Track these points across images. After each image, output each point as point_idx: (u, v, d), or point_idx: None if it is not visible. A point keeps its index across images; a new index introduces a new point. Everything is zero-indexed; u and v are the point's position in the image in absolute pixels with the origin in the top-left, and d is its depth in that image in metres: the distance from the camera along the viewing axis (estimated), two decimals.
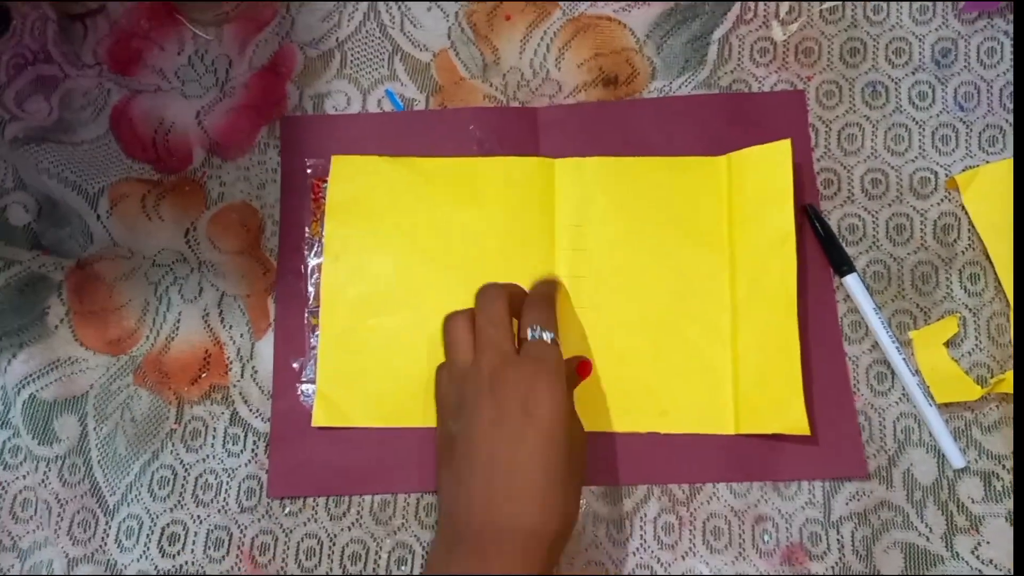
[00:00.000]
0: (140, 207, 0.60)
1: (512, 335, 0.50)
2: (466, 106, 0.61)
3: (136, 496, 0.55)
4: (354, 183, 0.59)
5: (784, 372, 0.54)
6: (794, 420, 0.53)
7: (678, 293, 0.57)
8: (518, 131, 0.60)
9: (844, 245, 0.57)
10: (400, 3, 0.62)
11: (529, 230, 0.58)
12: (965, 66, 0.59)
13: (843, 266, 0.56)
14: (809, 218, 0.57)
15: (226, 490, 0.55)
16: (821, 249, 0.57)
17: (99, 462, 0.56)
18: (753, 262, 0.56)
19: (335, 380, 0.56)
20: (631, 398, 0.55)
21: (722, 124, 0.59)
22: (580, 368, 0.55)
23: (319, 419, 0.55)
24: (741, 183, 0.57)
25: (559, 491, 0.45)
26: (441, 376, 0.52)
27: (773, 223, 0.56)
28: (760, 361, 0.55)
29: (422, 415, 0.55)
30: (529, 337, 0.50)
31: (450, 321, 0.52)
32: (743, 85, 0.60)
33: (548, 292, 0.55)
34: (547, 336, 0.50)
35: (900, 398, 0.54)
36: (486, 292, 0.52)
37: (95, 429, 0.56)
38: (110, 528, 0.55)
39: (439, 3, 0.62)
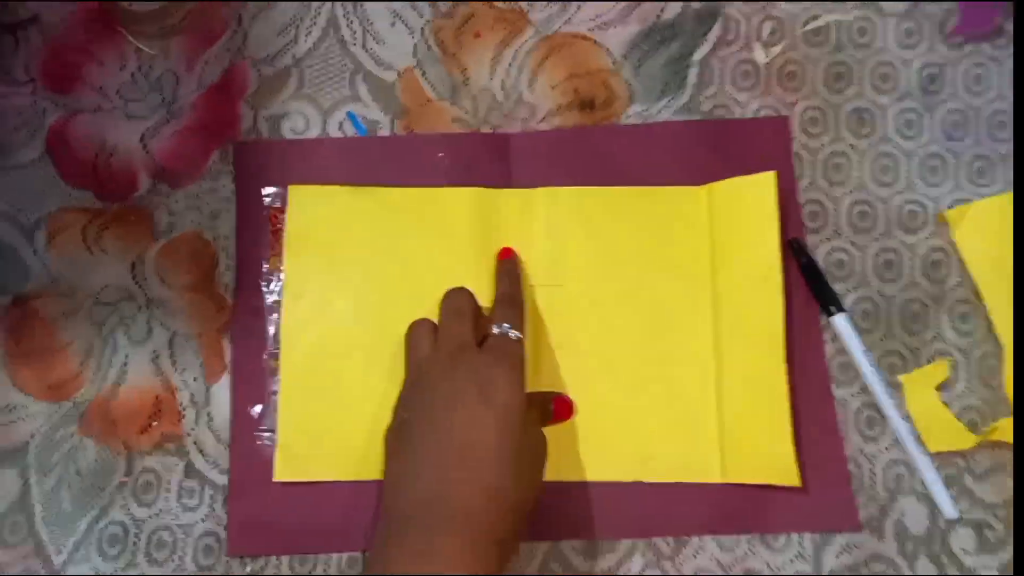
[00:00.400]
0: (81, 239, 0.55)
1: (475, 329, 0.49)
2: (433, 131, 0.57)
3: (84, 556, 0.51)
4: (314, 215, 0.55)
5: (772, 417, 0.52)
6: (783, 470, 0.51)
7: (658, 331, 0.54)
8: (489, 159, 0.56)
9: (831, 282, 0.54)
10: (362, 19, 0.58)
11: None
12: (952, 93, 0.57)
13: (831, 305, 0.54)
14: (795, 254, 0.55)
15: (182, 548, 0.52)
16: (807, 286, 0.55)
17: (43, 519, 0.52)
18: (737, 299, 0.54)
19: (297, 430, 0.52)
20: (611, 444, 0.53)
21: (704, 152, 0.56)
22: (558, 405, 0.52)
23: (281, 473, 0.52)
24: (723, 215, 0.55)
25: (512, 480, 0.44)
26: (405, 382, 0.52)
27: (757, 258, 0.54)
28: (746, 405, 0.52)
29: None
30: (495, 332, 0.49)
31: (413, 325, 0.52)
32: (725, 110, 0.57)
33: (515, 294, 0.53)
34: (513, 334, 0.49)
35: (891, 444, 0.53)
36: (452, 290, 0.53)
37: (37, 483, 0.52)
38: None
39: (403, 18, 0.58)
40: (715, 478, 0.52)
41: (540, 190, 0.56)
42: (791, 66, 0.58)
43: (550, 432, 0.51)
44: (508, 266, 0.54)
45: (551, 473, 0.51)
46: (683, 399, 0.53)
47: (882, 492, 0.52)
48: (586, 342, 0.54)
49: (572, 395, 0.53)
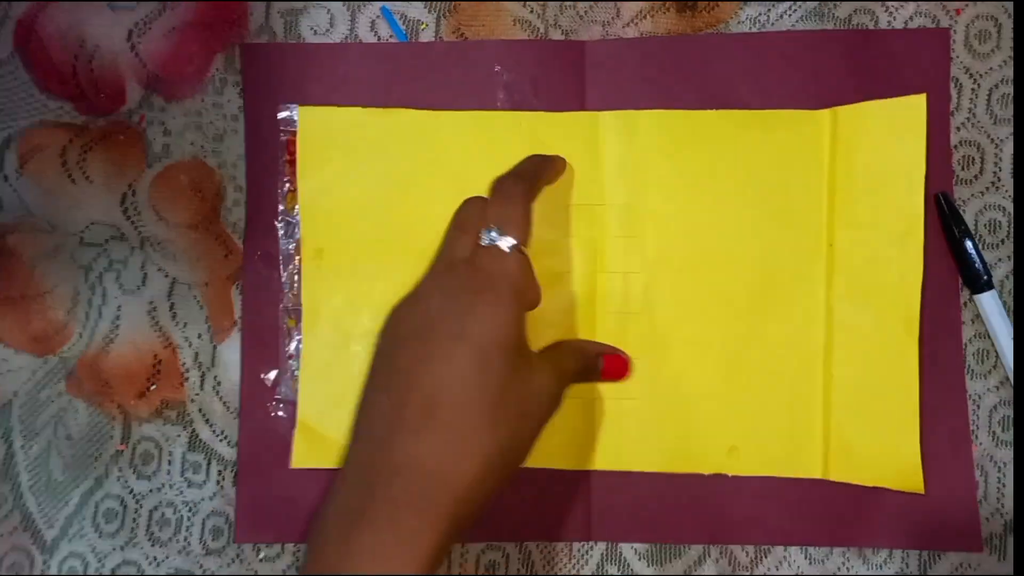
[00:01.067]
0: (60, 163, 0.46)
1: (476, 244, 0.39)
2: (490, 37, 0.45)
3: (79, 531, 0.45)
4: (331, 146, 0.45)
5: (896, 408, 0.43)
6: (904, 472, 0.42)
7: (758, 295, 0.44)
8: (559, 74, 0.45)
9: (982, 249, 0.43)
10: None
11: (566, 213, 0.44)
12: None
13: (980, 280, 0.43)
14: (940, 211, 0.43)
15: (187, 527, 0.45)
16: (950, 253, 0.43)
17: (31, 488, 0.45)
18: (862, 259, 0.43)
19: (320, 409, 0.44)
20: (691, 430, 0.44)
21: (836, 72, 0.44)
22: (610, 364, 0.43)
23: (299, 459, 0.44)
24: (851, 149, 0.43)
25: (485, 432, 0.35)
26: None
27: (894, 208, 0.43)
28: (863, 390, 0.43)
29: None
30: (482, 242, 0.39)
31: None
32: (868, 17, 0.44)
33: (528, 175, 0.42)
34: (505, 243, 0.38)
35: None
36: (465, 200, 0.42)
37: (23, 448, 0.45)
38: (48, 569, 0.45)
39: None
40: (816, 473, 0.43)
41: (614, 114, 0.44)
42: None
43: (609, 412, 0.43)
44: (533, 158, 0.43)
45: (607, 461, 0.44)
46: (782, 379, 0.44)
47: (1010, 507, 0.43)
48: (667, 307, 0.44)
49: (646, 371, 0.44)
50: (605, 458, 0.44)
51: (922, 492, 0.43)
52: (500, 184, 0.41)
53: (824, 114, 0.44)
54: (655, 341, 0.44)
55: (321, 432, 0.44)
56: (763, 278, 0.44)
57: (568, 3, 0.45)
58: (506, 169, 0.42)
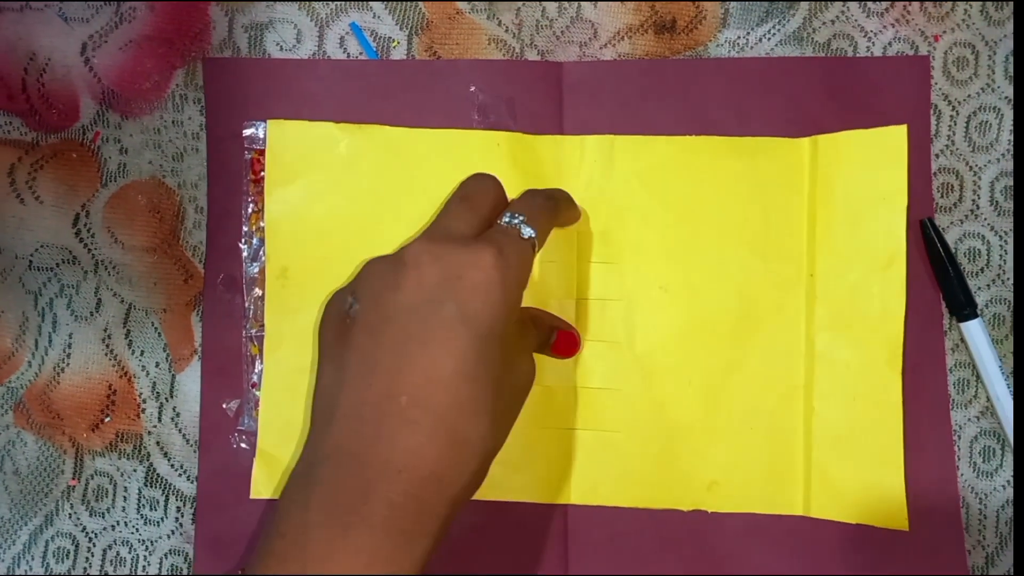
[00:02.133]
0: (8, 182, 0.43)
1: (482, 223, 0.37)
2: (464, 56, 0.44)
3: (27, 572, 0.43)
4: (300, 161, 0.43)
5: (879, 443, 0.42)
6: (890, 509, 0.42)
7: (737, 325, 0.43)
8: (536, 95, 0.43)
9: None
10: None
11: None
12: None
13: (965, 308, 0.42)
14: (925, 237, 0.43)
15: (144, 567, 0.43)
16: (933, 281, 0.43)
17: None
18: (844, 289, 0.42)
19: (281, 436, 0.42)
20: (671, 464, 0.43)
21: (816, 98, 0.43)
22: (562, 339, 0.41)
23: (259, 489, 0.42)
24: (831, 177, 0.42)
25: (484, 429, 0.33)
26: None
27: (875, 237, 0.42)
28: (844, 424, 0.42)
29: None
30: (502, 222, 0.36)
31: None
32: (847, 42, 0.44)
33: (558, 198, 0.41)
34: (527, 231, 0.36)
35: (1008, 481, 0.43)
36: (478, 174, 0.40)
37: None
38: None
39: None
40: (797, 510, 0.43)
41: (592, 138, 0.43)
42: None
43: (585, 443, 0.42)
44: (564, 191, 0.42)
45: (584, 495, 0.43)
46: (764, 410, 0.43)
47: (992, 538, 0.43)
48: (645, 335, 0.43)
49: (622, 402, 0.43)
50: (581, 492, 0.43)
51: (906, 529, 0.42)
52: (530, 192, 0.40)
53: (804, 142, 0.43)
54: (635, 371, 0.43)
55: (282, 460, 0.42)
56: (743, 308, 0.43)
57: (544, 23, 0.44)
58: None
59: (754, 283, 0.43)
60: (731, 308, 0.43)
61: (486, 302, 0.33)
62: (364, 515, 0.31)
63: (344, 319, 0.35)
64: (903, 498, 0.42)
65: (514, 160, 0.43)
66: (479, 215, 0.37)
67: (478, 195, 0.38)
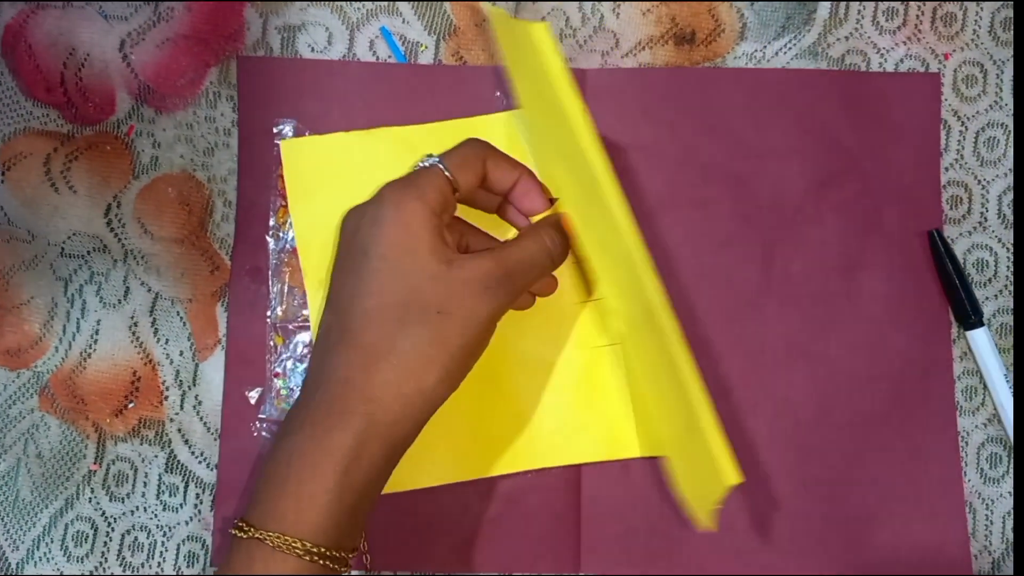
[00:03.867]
0: (43, 172, 0.44)
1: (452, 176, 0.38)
2: (490, 62, 0.45)
3: (46, 555, 0.43)
4: (319, 177, 0.44)
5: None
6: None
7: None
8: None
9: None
10: None
11: None
12: None
13: (971, 317, 0.43)
14: (934, 249, 0.44)
15: (161, 553, 0.43)
16: (941, 291, 0.44)
17: None
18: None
19: None
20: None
21: (829, 110, 0.45)
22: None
23: None
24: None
25: (394, 336, 0.35)
26: None
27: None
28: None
29: (431, 472, 0.43)
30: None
31: None
32: (860, 58, 0.45)
33: (492, 146, 0.40)
34: (426, 160, 0.38)
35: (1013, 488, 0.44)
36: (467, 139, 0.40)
37: None
38: None
39: None
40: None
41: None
42: (949, 6, 0.45)
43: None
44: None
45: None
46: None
47: (998, 543, 0.44)
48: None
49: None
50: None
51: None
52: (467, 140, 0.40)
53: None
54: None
55: None
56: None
57: (568, 32, 0.45)
58: None
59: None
60: None
61: (383, 226, 0.36)
62: (291, 424, 0.36)
63: None
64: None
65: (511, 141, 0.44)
66: (461, 171, 0.38)
67: (461, 155, 0.39)
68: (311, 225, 0.44)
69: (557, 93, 0.36)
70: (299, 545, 0.33)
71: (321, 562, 0.34)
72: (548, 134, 0.41)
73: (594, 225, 0.39)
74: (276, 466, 0.35)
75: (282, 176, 0.44)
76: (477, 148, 0.39)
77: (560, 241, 0.40)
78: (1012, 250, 0.44)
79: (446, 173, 0.38)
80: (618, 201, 0.35)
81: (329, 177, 0.44)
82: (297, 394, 0.43)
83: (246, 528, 0.34)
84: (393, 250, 0.36)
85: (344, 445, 0.34)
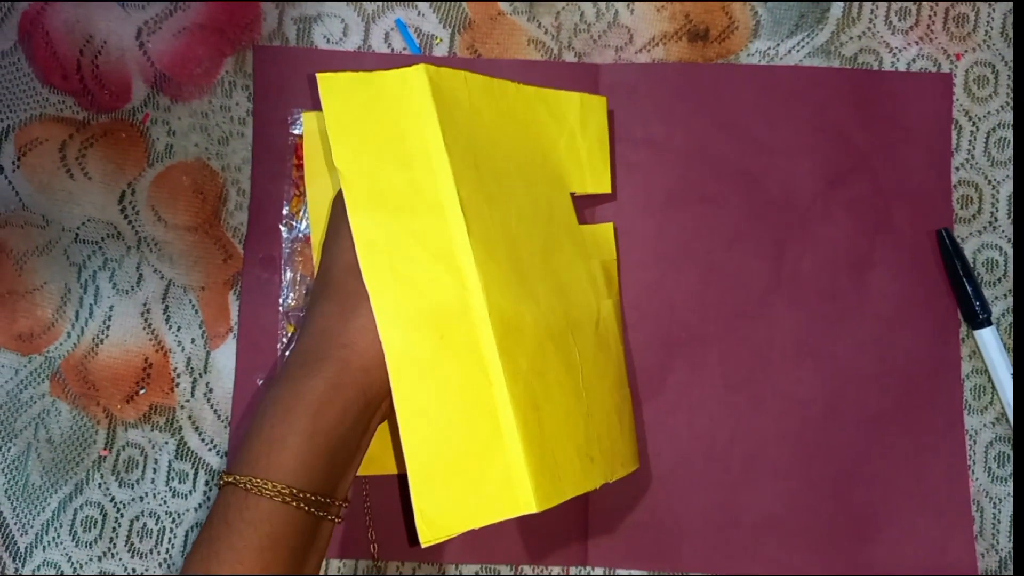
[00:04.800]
0: (58, 158, 0.44)
1: None
2: (504, 56, 0.45)
3: (54, 539, 0.43)
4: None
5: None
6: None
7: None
8: None
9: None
10: None
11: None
12: None
13: (979, 316, 0.44)
14: (943, 248, 0.44)
15: (170, 539, 0.43)
16: (949, 290, 0.44)
17: (7, 492, 0.43)
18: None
19: None
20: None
21: (841, 108, 0.45)
22: None
23: None
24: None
25: (358, 292, 0.36)
26: None
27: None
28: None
29: None
30: None
31: None
32: (872, 57, 0.45)
33: None
34: None
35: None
36: None
37: (1, 449, 0.44)
38: None
39: None
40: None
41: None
42: (962, 7, 0.45)
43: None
44: None
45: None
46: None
47: (1005, 542, 0.44)
48: None
49: None
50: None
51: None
52: None
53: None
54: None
55: None
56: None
57: (583, 27, 0.45)
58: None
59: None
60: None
61: None
62: (277, 376, 0.36)
63: None
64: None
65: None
66: None
67: None
68: (327, 200, 0.42)
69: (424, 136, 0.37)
70: (270, 487, 0.33)
71: (295, 504, 0.34)
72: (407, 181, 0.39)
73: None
74: (255, 417, 0.36)
75: (297, 165, 0.44)
76: None
77: None
78: (1012, 253, 0.45)
79: None
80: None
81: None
82: None
83: (225, 476, 0.35)
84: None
85: (316, 389, 0.35)
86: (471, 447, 0.35)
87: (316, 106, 0.44)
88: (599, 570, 0.44)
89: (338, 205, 0.39)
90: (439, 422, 0.35)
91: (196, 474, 0.44)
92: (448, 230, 0.36)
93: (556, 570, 0.44)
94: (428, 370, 0.35)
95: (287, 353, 0.38)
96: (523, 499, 0.34)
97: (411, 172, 0.37)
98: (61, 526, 0.43)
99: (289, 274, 0.44)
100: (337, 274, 0.37)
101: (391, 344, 0.35)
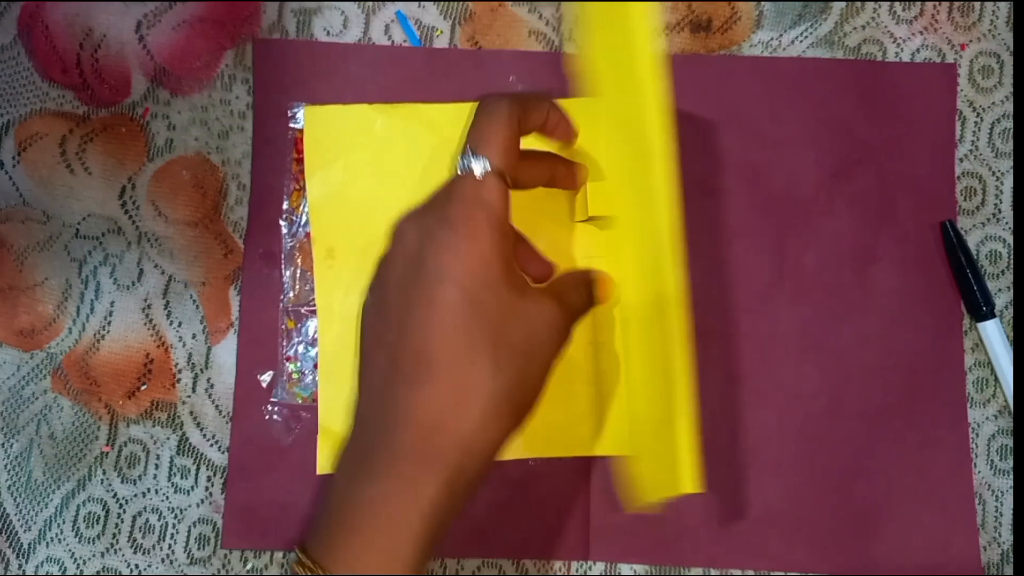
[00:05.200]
0: (59, 153, 0.44)
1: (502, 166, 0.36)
2: (505, 47, 0.45)
3: (57, 535, 0.43)
4: (339, 146, 0.43)
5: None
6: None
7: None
8: (573, 86, 0.45)
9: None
10: None
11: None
12: None
13: (982, 308, 0.43)
14: (946, 240, 0.44)
15: (172, 535, 0.43)
16: (953, 282, 0.44)
17: (9, 489, 0.43)
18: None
19: (340, 412, 0.43)
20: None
21: (845, 99, 0.45)
22: (602, 290, 0.41)
23: (324, 464, 0.42)
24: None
25: (484, 376, 0.33)
26: None
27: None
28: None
29: None
30: (457, 170, 0.36)
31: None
32: (876, 47, 0.45)
33: (517, 96, 0.38)
34: (479, 167, 0.35)
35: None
36: (486, 106, 0.37)
37: (3, 446, 0.44)
38: (24, 574, 0.43)
39: None
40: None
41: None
42: None
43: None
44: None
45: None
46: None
47: (1007, 535, 0.44)
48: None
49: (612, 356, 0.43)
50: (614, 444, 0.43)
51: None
52: (484, 101, 0.37)
53: None
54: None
55: (343, 436, 0.43)
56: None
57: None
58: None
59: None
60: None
61: (457, 254, 0.34)
62: (368, 468, 0.33)
63: (365, 311, 0.37)
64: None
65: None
66: (496, 152, 0.36)
67: (485, 141, 0.36)
68: (326, 193, 0.43)
69: (639, 71, 0.35)
70: None
71: None
72: (617, 115, 0.39)
73: (635, 205, 0.38)
74: (354, 510, 0.33)
75: (297, 159, 0.44)
76: (506, 121, 0.36)
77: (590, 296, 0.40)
78: (1012, 244, 0.45)
79: (503, 178, 0.35)
80: (668, 188, 0.34)
81: (349, 147, 0.43)
82: (312, 378, 0.43)
83: (312, 567, 0.32)
84: (472, 281, 0.33)
85: (433, 494, 0.32)
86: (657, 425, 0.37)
87: (316, 101, 0.44)
88: (600, 565, 0.44)
89: (407, 249, 0.35)
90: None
91: (198, 469, 0.44)
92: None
93: (558, 565, 0.43)
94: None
95: (381, 436, 0.34)
96: (687, 480, 0.34)
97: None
98: (64, 522, 0.43)
99: (290, 269, 0.44)
100: (438, 354, 0.33)
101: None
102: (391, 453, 0.33)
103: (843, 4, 0.45)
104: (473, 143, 0.36)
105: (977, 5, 0.45)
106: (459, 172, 0.36)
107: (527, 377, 0.35)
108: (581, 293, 0.39)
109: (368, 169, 0.44)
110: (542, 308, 0.36)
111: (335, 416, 0.42)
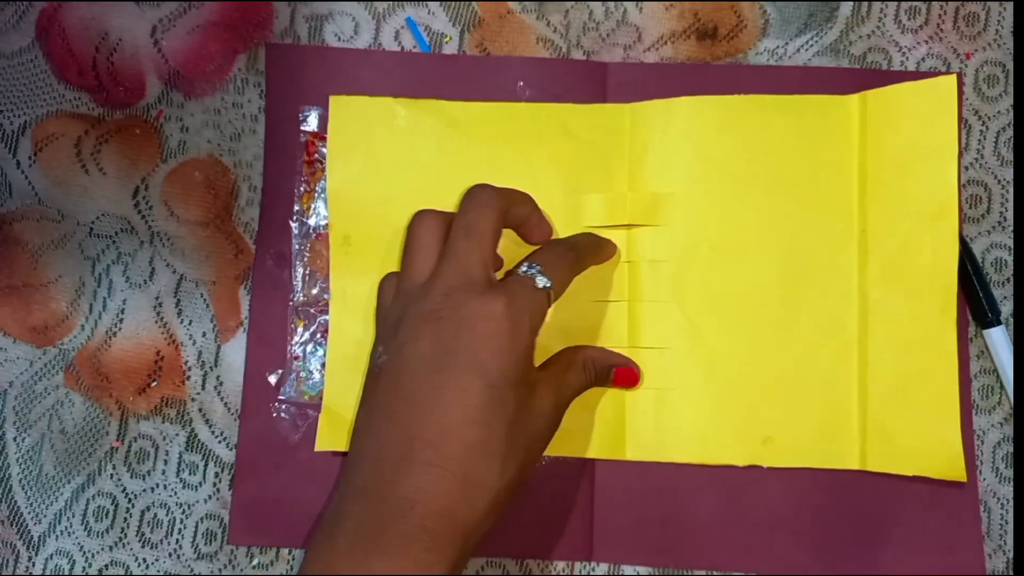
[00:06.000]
0: (74, 153, 0.45)
1: (491, 256, 0.38)
2: (513, 53, 0.46)
3: (67, 528, 0.44)
4: (362, 137, 0.44)
5: (934, 394, 0.43)
6: (947, 460, 0.42)
7: (789, 282, 0.44)
8: (581, 93, 0.45)
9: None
10: None
11: (592, 204, 0.45)
12: None
13: (988, 315, 0.43)
14: None
15: (180, 530, 0.44)
16: (960, 288, 0.44)
17: (21, 482, 0.44)
18: (895, 242, 0.43)
19: (345, 395, 0.43)
20: (725, 421, 0.44)
21: None
22: (620, 376, 0.43)
23: (323, 442, 0.43)
24: (881, 132, 0.43)
25: (496, 472, 0.35)
26: (386, 286, 0.42)
27: (926, 189, 0.43)
28: (899, 376, 0.43)
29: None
30: (520, 271, 0.39)
31: (417, 219, 0.40)
32: (881, 56, 0.45)
33: (581, 247, 0.42)
34: (542, 281, 0.38)
35: None
36: (475, 193, 0.40)
37: (16, 439, 0.44)
38: (34, 566, 0.44)
39: None
40: (853, 464, 0.43)
41: (644, 104, 0.44)
42: (972, 6, 0.45)
43: (642, 401, 0.44)
44: (589, 235, 0.44)
45: (640, 451, 0.44)
46: (818, 366, 0.44)
47: (1011, 543, 0.43)
48: (696, 295, 0.44)
49: (674, 361, 0.44)
50: (638, 448, 0.44)
51: (964, 480, 0.42)
52: (553, 242, 0.42)
53: (854, 99, 0.44)
54: (685, 329, 0.44)
55: (345, 417, 0.43)
56: (795, 265, 0.44)
57: (591, 25, 0.46)
58: (534, 160, 0.44)
59: (806, 240, 0.44)
60: (783, 266, 0.44)
61: (496, 351, 0.36)
62: (382, 545, 0.34)
63: (376, 368, 0.38)
64: (959, 448, 0.42)
65: (567, 129, 0.44)
66: (485, 247, 0.38)
67: (479, 224, 0.38)
68: (346, 182, 0.44)
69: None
70: None
71: None
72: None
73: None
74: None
75: (307, 161, 0.45)
76: (573, 265, 0.41)
77: (586, 378, 0.42)
78: (1013, 245, 0.45)
79: (551, 299, 0.39)
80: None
81: (372, 138, 0.44)
82: (320, 377, 0.44)
83: None
84: (500, 380, 0.35)
85: (440, 572, 0.34)
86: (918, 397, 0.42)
87: (327, 105, 0.45)
88: (604, 566, 0.44)
89: (448, 328, 0.36)
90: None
91: (206, 466, 0.44)
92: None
93: (561, 565, 0.44)
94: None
95: (396, 515, 0.35)
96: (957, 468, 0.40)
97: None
98: (74, 516, 0.44)
99: (299, 270, 0.45)
100: (453, 446, 0.35)
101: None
102: (405, 533, 0.34)
103: (849, 13, 0.45)
104: (541, 261, 0.39)
105: (983, 15, 0.45)
106: (521, 273, 0.38)
107: (524, 470, 0.37)
108: (584, 376, 0.42)
109: (389, 160, 0.44)
110: (544, 405, 0.38)
111: (340, 399, 0.43)
